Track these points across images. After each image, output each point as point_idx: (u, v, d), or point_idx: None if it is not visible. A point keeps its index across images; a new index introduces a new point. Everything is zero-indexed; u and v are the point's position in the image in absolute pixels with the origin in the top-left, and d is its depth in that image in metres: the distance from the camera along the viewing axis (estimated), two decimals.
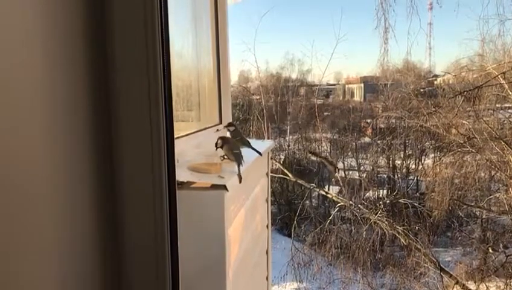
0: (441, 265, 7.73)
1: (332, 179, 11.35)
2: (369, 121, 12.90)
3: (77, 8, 0.75)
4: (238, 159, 1.41)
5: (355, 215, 8.69)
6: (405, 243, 8.20)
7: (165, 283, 0.88)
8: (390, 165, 11.97)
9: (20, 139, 0.64)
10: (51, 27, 0.70)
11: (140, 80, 0.81)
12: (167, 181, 0.85)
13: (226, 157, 1.44)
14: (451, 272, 7.84)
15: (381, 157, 12.06)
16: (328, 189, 11.15)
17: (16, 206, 0.63)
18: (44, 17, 0.68)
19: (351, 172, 12.34)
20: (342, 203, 8.90)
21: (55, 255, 0.71)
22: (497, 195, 8.36)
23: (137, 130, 0.82)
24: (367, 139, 12.79)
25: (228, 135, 1.66)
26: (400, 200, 9.57)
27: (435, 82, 12.35)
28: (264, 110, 10.46)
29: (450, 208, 9.03)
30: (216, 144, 1.44)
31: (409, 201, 9.27)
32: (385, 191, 11.63)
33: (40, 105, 0.68)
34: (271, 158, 2.11)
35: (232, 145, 1.47)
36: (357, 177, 11.67)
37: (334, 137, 13.18)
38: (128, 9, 0.80)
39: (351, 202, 8.83)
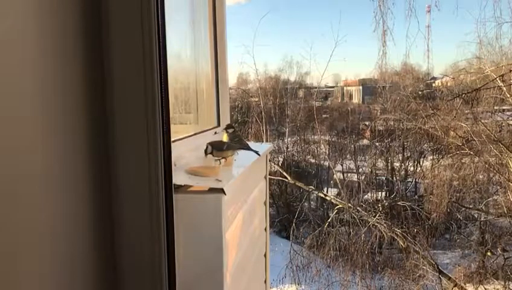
0: (440, 267, 7.73)
1: (331, 181, 11.34)
2: (367, 123, 12.91)
3: (74, 11, 0.74)
4: (236, 146, 1.37)
5: (354, 218, 8.69)
6: (403, 246, 8.20)
7: (162, 286, 0.87)
8: (389, 168, 11.97)
9: (17, 141, 0.63)
10: (48, 30, 0.69)
11: (137, 83, 0.80)
12: (164, 184, 0.84)
13: (223, 158, 1.42)
14: (449, 275, 7.83)
15: (379, 160, 12.07)
16: (327, 191, 11.15)
17: (13, 206, 0.62)
18: (42, 19, 0.68)
19: (349, 174, 12.34)
20: (340, 206, 8.89)
21: (54, 258, 0.71)
22: (496, 197, 8.37)
23: (134, 133, 0.81)
24: (365, 142, 12.79)
25: (226, 136, 1.64)
26: (398, 203, 9.56)
27: (433, 84, 12.39)
28: (263, 113, 10.46)
29: (449, 210, 9.03)
30: (205, 151, 1.38)
31: (408, 203, 9.26)
32: (383, 194, 11.62)
33: (37, 108, 0.67)
34: (269, 160, 2.10)
35: (221, 145, 1.43)
36: (355, 180, 11.68)
37: (333, 139, 13.18)
38: (125, 11, 0.79)
39: (349, 204, 8.83)
